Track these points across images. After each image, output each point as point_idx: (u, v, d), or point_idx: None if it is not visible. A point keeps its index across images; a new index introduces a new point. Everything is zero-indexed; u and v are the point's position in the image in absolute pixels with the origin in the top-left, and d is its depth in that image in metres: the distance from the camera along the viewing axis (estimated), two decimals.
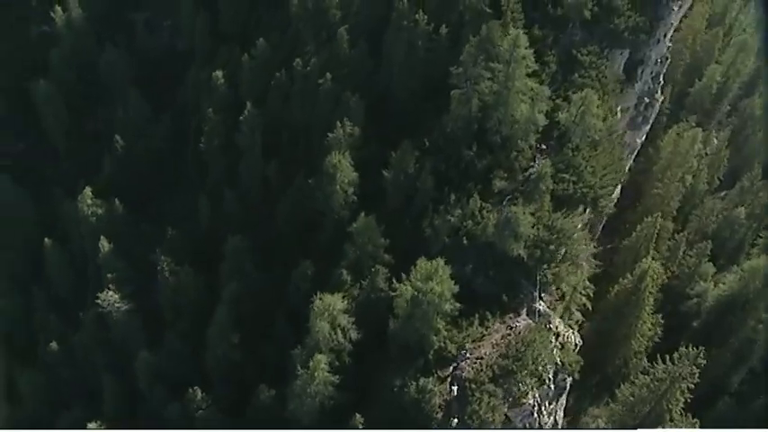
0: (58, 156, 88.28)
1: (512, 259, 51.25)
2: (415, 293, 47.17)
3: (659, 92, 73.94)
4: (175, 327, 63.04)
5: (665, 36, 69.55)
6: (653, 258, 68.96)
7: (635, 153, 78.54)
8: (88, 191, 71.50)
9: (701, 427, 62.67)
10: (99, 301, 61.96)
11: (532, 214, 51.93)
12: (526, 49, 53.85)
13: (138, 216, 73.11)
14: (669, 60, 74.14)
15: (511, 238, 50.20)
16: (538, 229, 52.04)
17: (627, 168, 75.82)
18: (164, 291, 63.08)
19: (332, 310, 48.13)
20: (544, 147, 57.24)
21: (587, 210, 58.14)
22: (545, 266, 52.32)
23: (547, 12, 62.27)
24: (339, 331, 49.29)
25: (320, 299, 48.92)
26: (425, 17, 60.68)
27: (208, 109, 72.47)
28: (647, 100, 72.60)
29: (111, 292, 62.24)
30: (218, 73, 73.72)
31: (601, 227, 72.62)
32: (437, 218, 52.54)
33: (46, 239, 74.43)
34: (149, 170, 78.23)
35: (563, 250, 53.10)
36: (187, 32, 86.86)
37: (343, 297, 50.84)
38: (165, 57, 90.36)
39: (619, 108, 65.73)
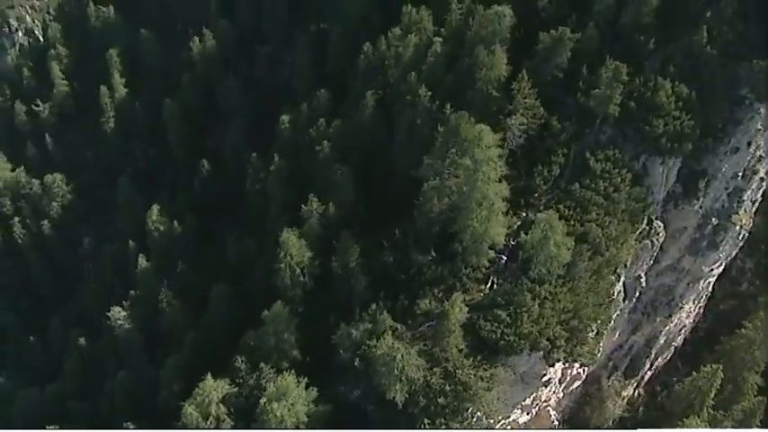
0: (178, 166, 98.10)
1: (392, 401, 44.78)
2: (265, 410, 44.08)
3: (742, 213, 58.68)
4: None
5: (748, 144, 55.21)
6: None
7: (703, 282, 63.47)
8: (155, 208, 78.59)
9: None
10: (109, 314, 68.18)
11: (429, 355, 44.86)
12: (497, 148, 47.01)
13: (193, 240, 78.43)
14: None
15: (392, 376, 43.75)
16: (432, 374, 44.92)
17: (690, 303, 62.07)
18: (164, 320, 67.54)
19: (206, 396, 46.93)
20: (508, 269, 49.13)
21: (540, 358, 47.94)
22: (428, 421, 44.57)
23: (577, 100, 53.49)
24: (212, 420, 47.47)
25: (203, 380, 48.14)
26: (429, 93, 56.08)
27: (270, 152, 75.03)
28: (715, 221, 58.16)
29: (119, 309, 68.21)
30: (285, 117, 75.81)
31: None
32: (344, 328, 48.25)
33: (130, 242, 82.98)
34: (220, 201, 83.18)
35: (468, 407, 45.09)
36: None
37: (231, 384, 49.28)
38: (278, 90, 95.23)
39: (638, 233, 53.42)
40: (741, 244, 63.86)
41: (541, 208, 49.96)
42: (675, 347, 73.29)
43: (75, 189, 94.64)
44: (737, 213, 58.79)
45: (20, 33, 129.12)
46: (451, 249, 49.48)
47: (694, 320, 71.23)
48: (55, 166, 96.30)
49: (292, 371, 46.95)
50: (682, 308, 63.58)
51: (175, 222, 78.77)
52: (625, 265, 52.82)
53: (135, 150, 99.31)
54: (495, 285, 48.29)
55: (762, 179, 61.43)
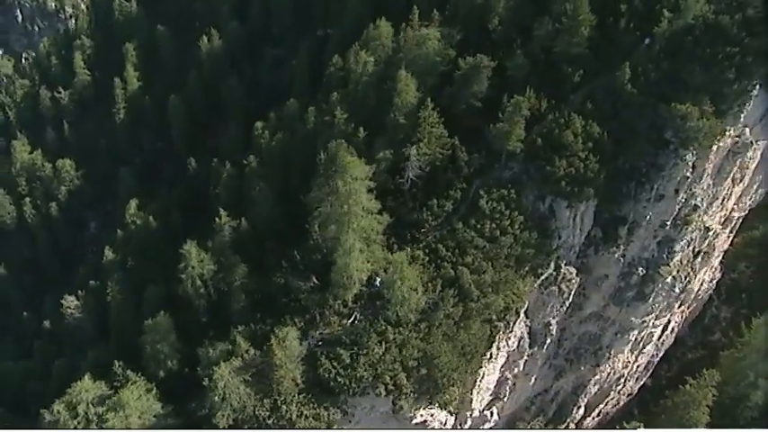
0: (180, 161, 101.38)
1: None
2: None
3: (673, 264, 53.92)
4: None
5: (676, 192, 50.62)
6: None
7: (638, 333, 58.76)
8: (133, 202, 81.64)
9: None
10: (62, 301, 71.73)
11: (261, 386, 44.70)
12: (369, 180, 45.76)
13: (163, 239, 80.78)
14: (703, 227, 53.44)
15: (216, 401, 44.60)
16: (261, 406, 44.56)
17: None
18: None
19: (77, 396, 48.58)
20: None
21: None
22: None
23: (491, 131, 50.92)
24: (80, 420, 48.87)
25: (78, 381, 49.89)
26: (345, 115, 55.12)
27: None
28: (642, 271, 53.70)
29: (72, 298, 71.60)
30: (259, 124, 76.53)
31: None
32: (206, 345, 48.55)
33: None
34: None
35: None
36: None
37: (109, 388, 50.59)
38: (279, 93, 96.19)
39: (542, 278, 50.17)
40: (681, 297, 58.96)
41: (417, 245, 47.93)
42: (630, 395, 69.08)
43: (84, 175, 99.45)
44: (668, 265, 54.06)
45: (73, 20, 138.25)
46: (328, 279, 48.55)
47: (645, 369, 66.67)
48: (70, 151, 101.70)
49: (141, 382, 47.82)
50: (611, 357, 59.39)
51: (151, 218, 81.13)
52: (518, 312, 49.84)
53: (144, 142, 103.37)
54: (356, 321, 46.94)
55: (708, 229, 56.50)
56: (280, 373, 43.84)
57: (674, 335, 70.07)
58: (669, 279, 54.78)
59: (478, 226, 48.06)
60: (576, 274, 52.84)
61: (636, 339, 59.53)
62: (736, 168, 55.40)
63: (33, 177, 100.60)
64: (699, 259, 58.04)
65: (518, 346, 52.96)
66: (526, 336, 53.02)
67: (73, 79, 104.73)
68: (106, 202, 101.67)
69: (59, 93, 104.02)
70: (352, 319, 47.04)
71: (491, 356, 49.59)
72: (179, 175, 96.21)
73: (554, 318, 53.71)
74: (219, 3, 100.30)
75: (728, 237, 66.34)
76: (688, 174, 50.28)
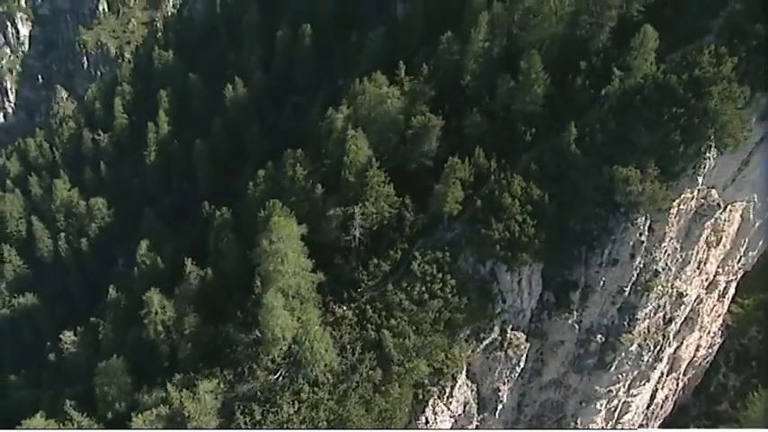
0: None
1: None
2: None
3: (637, 331, 50.96)
4: None
5: (632, 257, 48.13)
6: None
7: (608, 402, 55.44)
8: (144, 243, 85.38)
9: None
10: (60, 336, 75.46)
11: None
12: (300, 240, 46.35)
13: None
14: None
15: None
16: None
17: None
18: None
19: None
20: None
21: None
22: None
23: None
24: None
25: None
26: (304, 172, 56.13)
27: None
28: (600, 339, 51.01)
29: (70, 333, 75.18)
30: (261, 172, 78.80)
31: None
32: (144, 391, 49.91)
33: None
34: None
35: None
36: None
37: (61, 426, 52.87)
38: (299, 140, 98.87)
39: (486, 342, 48.55)
40: (661, 366, 55.46)
41: (349, 305, 47.69)
42: None
43: (115, 213, 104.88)
44: (630, 333, 51.13)
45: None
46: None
47: None
48: (106, 190, 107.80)
49: (85, 422, 49.63)
50: (579, 427, 56.29)
51: (159, 259, 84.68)
52: (454, 377, 48.34)
53: (172, 184, 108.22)
54: (280, 378, 46.94)
55: (681, 294, 53.29)
56: (192, 424, 44.50)
57: (671, 403, 65.90)
58: (634, 347, 51.79)
59: (408, 288, 47.30)
60: (527, 339, 50.83)
61: (608, 409, 56.30)
62: (708, 231, 52.14)
63: (70, 214, 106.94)
64: (674, 326, 54.59)
65: (464, 411, 51.30)
66: (473, 401, 51.30)
67: (113, 123, 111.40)
68: (132, 239, 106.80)
69: (99, 135, 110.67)
70: (277, 375, 47.16)
71: (426, 421, 48.22)
72: (199, 217, 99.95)
73: (504, 383, 51.72)
74: (250, 53, 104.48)
75: (721, 301, 62.16)
76: (643, 238, 47.73)
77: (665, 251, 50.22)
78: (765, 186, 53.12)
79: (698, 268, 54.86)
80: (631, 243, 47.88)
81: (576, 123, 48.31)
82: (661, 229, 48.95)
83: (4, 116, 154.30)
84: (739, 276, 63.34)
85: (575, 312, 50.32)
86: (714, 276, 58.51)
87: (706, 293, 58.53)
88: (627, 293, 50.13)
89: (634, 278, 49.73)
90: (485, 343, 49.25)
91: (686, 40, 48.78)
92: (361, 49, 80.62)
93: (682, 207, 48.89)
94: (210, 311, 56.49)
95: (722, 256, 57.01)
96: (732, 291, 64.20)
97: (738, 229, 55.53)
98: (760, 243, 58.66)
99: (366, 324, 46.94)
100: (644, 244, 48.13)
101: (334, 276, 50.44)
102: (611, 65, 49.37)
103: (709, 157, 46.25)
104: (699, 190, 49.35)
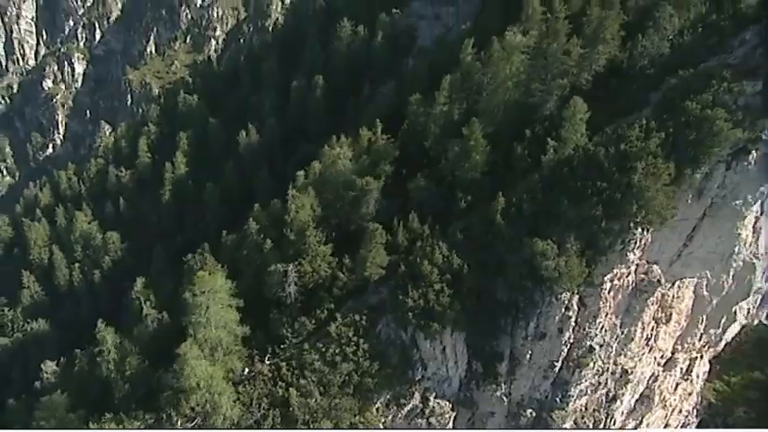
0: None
1: None
2: None
3: (570, 408, 49.11)
4: None
5: (560, 331, 46.83)
6: None
7: None
8: (140, 281, 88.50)
9: None
10: (42, 366, 78.40)
11: None
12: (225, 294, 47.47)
13: None
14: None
15: None
16: None
17: None
18: None
19: None
20: None
21: None
22: None
23: None
24: None
25: None
26: (257, 226, 57.58)
27: None
28: (531, 413, 49.64)
29: (52, 364, 78.06)
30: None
31: None
32: None
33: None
34: None
35: None
36: None
37: None
38: None
39: (406, 409, 47.81)
40: None
41: (270, 360, 48.04)
42: None
43: (128, 247, 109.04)
44: (563, 409, 49.30)
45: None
46: None
47: None
48: (123, 224, 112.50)
49: None
50: None
51: (152, 297, 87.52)
52: None
53: (186, 222, 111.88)
54: (195, 427, 47.55)
55: (626, 371, 51.24)
56: None
57: None
58: (568, 425, 49.86)
59: (323, 349, 47.39)
60: (453, 408, 49.78)
61: None
62: (654, 307, 50.14)
63: (88, 245, 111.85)
64: (620, 404, 52.31)
65: None
66: None
67: (136, 161, 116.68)
68: (143, 273, 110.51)
69: (122, 172, 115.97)
70: (193, 423, 47.83)
71: None
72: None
73: None
74: (266, 100, 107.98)
75: (688, 379, 59.13)
76: (570, 313, 46.40)
77: (602, 326, 48.52)
78: (720, 263, 50.91)
79: (647, 345, 52.60)
80: (557, 317, 46.60)
81: (507, 193, 47.96)
82: (594, 304, 47.47)
83: (53, 147, 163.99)
84: (708, 354, 60.28)
85: (503, 384, 49.04)
86: (672, 354, 55.91)
87: (663, 371, 55.89)
88: (558, 368, 48.57)
89: (564, 353, 48.18)
90: (406, 409, 48.58)
91: (625, 112, 47.93)
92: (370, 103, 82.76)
93: (616, 282, 47.32)
94: (159, 355, 58.05)
95: (678, 333, 54.49)
96: (703, 368, 61.00)
97: (694, 306, 53.07)
98: (722, 320, 55.75)
99: (278, 381, 47.22)
100: (572, 319, 46.70)
101: (266, 331, 51.05)
102: (552, 134, 48.94)
103: (636, 234, 44.83)
104: (638, 265, 47.81)
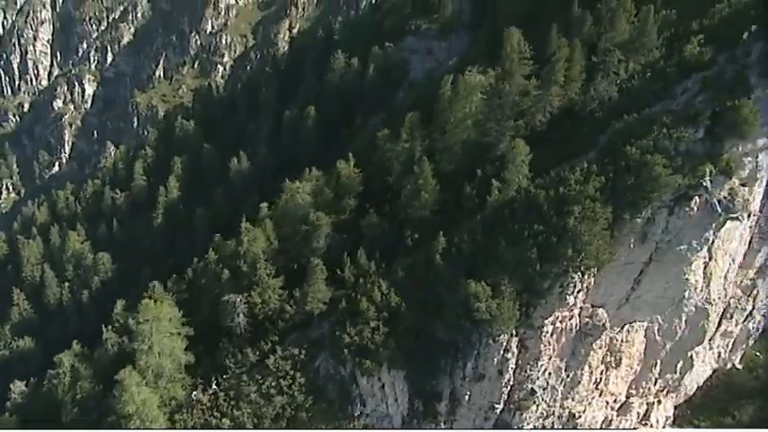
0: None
1: None
2: None
3: None
4: None
5: (500, 373, 46.48)
6: None
7: None
8: (120, 303, 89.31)
9: None
10: (11, 385, 79.31)
11: None
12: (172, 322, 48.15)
13: None
14: None
15: None
16: None
17: None
18: None
19: None
20: None
21: None
22: None
23: None
24: None
25: None
26: (216, 256, 58.29)
27: None
28: None
29: (21, 384, 78.89)
30: None
31: None
32: None
33: None
34: None
35: None
36: None
37: None
38: None
39: None
40: None
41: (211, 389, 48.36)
42: None
43: (117, 269, 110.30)
44: None
45: None
46: None
47: None
48: (116, 245, 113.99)
49: None
50: None
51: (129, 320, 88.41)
52: None
53: (177, 246, 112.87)
54: None
55: (573, 415, 50.64)
56: None
57: None
58: None
59: (261, 381, 47.55)
60: None
61: None
62: (602, 351, 49.66)
63: (79, 265, 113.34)
64: None
65: None
66: None
67: (131, 183, 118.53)
68: (130, 297, 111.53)
69: (117, 194, 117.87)
70: None
71: None
72: None
73: None
74: (260, 128, 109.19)
75: (646, 424, 58.13)
76: (509, 355, 46.11)
77: (545, 369, 48.12)
78: (671, 308, 50.39)
79: (596, 388, 51.99)
80: (496, 359, 46.32)
81: (452, 232, 48.14)
82: (535, 346, 47.15)
83: (59, 166, 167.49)
84: (671, 399, 59.30)
85: (442, 424, 48.71)
86: (627, 398, 55.15)
87: (617, 415, 55.11)
88: (499, 410, 48.18)
89: (505, 395, 47.81)
90: None
91: (574, 155, 47.99)
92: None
93: (558, 325, 47.01)
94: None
95: (632, 377, 53.80)
96: (664, 414, 59.93)
97: (646, 350, 52.42)
98: (678, 365, 54.95)
99: (214, 411, 47.45)
100: (511, 361, 46.41)
101: (212, 360, 51.39)
102: (499, 174, 49.13)
103: (575, 278, 44.61)
104: (582, 308, 47.51)
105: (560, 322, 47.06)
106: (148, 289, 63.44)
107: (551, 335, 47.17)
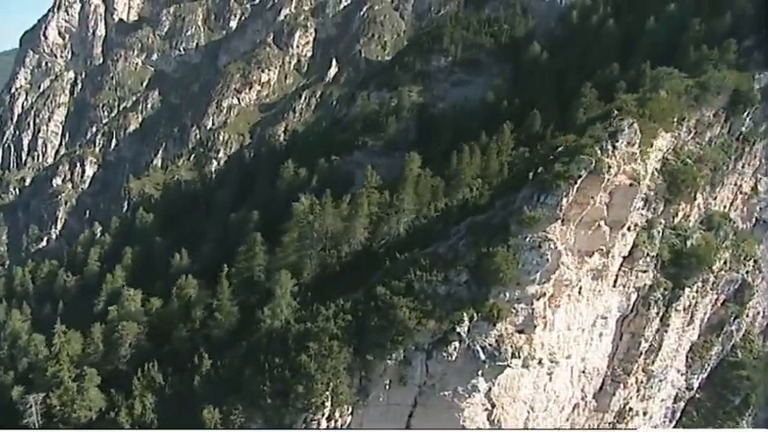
0: None
1: None
2: None
3: None
4: None
5: None
6: None
7: None
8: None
9: None
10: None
11: None
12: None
13: None
14: None
15: None
16: None
17: None
18: None
19: None
20: None
21: None
22: None
23: None
24: None
25: None
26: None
27: None
28: None
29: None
30: None
31: None
32: None
33: None
34: None
35: None
36: None
37: None
38: None
39: None
40: None
41: None
42: None
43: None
44: None
45: None
46: None
47: None
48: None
49: None
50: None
51: None
52: None
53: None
54: None
55: None
56: None
57: None
58: None
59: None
60: None
61: None
62: None
63: (13, 345, 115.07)
64: None
65: None
66: None
67: (83, 267, 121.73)
68: None
69: (68, 277, 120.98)
70: None
71: None
72: None
73: None
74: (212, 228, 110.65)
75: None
76: None
77: None
78: None
79: None
80: None
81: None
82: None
83: (48, 241, 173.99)
84: None
85: None
86: None
87: None
88: None
89: None
90: None
91: (348, 290, 47.16)
92: None
93: None
94: None
95: None
96: None
97: None
98: None
99: None
100: None
101: None
102: None
103: (317, 416, 42.68)
104: None
105: None
106: None
107: None
